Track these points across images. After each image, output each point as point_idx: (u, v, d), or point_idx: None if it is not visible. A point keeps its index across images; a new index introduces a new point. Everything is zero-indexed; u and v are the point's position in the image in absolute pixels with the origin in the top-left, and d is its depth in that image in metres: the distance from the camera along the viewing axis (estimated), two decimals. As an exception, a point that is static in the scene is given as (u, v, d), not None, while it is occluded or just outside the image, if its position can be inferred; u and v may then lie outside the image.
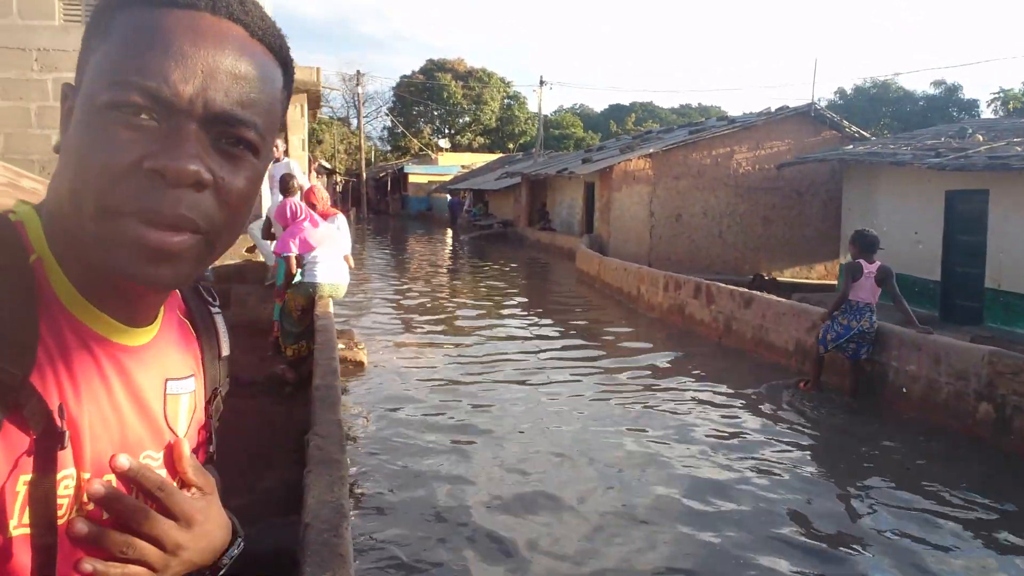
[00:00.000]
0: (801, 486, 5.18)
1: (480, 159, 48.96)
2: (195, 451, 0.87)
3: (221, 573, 0.85)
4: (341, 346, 8.21)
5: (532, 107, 59.10)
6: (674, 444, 5.85)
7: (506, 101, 62.49)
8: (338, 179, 43.82)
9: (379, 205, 54.17)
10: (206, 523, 0.78)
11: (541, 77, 33.80)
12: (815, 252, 18.39)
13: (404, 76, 61.57)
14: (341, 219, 7.68)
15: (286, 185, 7.57)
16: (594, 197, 20.61)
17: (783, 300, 8.34)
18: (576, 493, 4.88)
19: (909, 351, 6.56)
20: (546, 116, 62.32)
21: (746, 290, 9.41)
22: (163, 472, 0.78)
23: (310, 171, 17.56)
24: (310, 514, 2.59)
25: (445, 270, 20.07)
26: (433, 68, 60.82)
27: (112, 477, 0.73)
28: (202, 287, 0.93)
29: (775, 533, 4.36)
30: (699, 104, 75.35)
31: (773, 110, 19.49)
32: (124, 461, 0.72)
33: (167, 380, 0.81)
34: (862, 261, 7.03)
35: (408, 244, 28.59)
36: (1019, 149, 10.76)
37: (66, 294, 0.72)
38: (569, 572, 3.88)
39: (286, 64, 0.77)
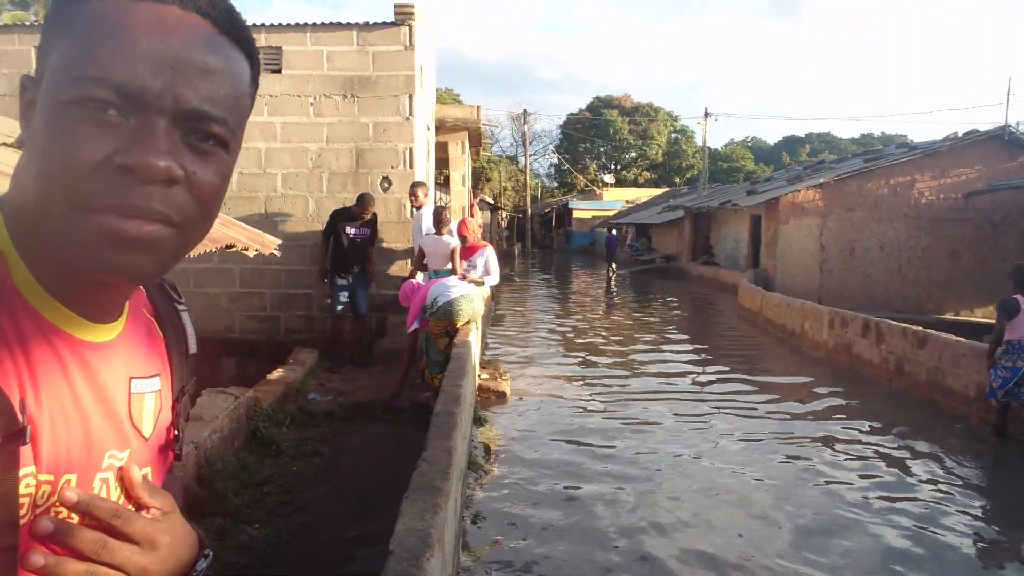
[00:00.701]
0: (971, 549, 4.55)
1: (645, 193, 48.58)
2: (162, 450, 0.85)
3: None
4: (485, 376, 8.32)
5: (700, 141, 58.01)
6: (842, 505, 5.34)
7: (673, 135, 61.80)
8: (502, 215, 44.96)
9: (544, 240, 55.01)
10: (171, 543, 0.77)
11: (706, 109, 33.05)
12: (1012, 289, 16.51)
13: (571, 114, 62.57)
14: (489, 251, 7.84)
15: (439, 218, 7.82)
16: (760, 230, 19.75)
17: (962, 340, 7.49)
18: (721, 543, 4.58)
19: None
20: (715, 149, 61.09)
21: (920, 328, 8.56)
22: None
23: (471, 206, 18.13)
24: (395, 542, 2.57)
25: (604, 304, 19.93)
26: (599, 105, 61.39)
27: (73, 477, 0.71)
28: (167, 285, 0.92)
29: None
30: (882, 133, 70.69)
31: (960, 135, 17.86)
32: (72, 495, 0.70)
33: (131, 378, 0.80)
34: (1019, 297, 6.63)
35: (570, 278, 28.72)
36: None
37: (28, 288, 0.71)
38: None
39: (252, 57, 0.76)
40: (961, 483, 5.79)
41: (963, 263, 16.99)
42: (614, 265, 27.04)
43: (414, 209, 8.57)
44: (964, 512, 5.20)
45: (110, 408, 0.76)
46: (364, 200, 8.20)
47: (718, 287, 21.78)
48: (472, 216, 14.47)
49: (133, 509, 0.76)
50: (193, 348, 0.93)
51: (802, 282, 17.19)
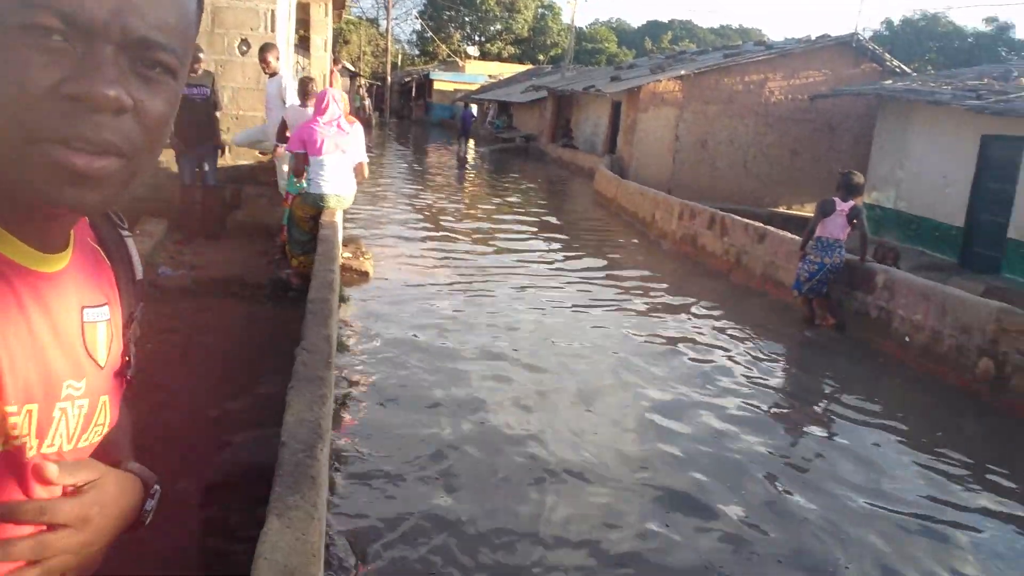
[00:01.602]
0: (769, 416, 5.21)
1: (508, 69, 47.78)
2: (116, 376, 0.86)
3: (149, 519, 0.89)
4: (347, 254, 8.22)
5: (567, 19, 57.21)
6: (651, 366, 5.89)
7: (540, 11, 60.59)
8: (361, 82, 43.01)
9: (402, 110, 53.37)
10: (105, 508, 0.80)
11: (576, -13, 32.50)
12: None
13: (436, -23, 59.64)
14: (357, 128, 7.51)
15: (304, 89, 7.43)
16: (620, 117, 20.15)
17: (797, 238, 8.16)
18: (564, 400, 4.99)
19: (917, 300, 6.46)
20: (580, 29, 60.50)
21: (760, 225, 9.24)
22: (85, 401, 0.79)
23: (331, 73, 17.21)
24: (287, 433, 2.61)
25: (463, 181, 19.88)
26: (466, -29, 58.81)
27: (35, 407, 0.72)
28: (110, 211, 0.91)
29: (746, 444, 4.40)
30: (740, 26, 72.71)
31: (813, 38, 18.72)
32: None
33: (83, 307, 0.80)
34: (836, 199, 7.29)
35: (428, 152, 28.27)
36: (1063, 96, 10.33)
37: None
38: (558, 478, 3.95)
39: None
40: (769, 360, 6.58)
41: (802, 161, 18.23)
42: (471, 142, 26.84)
43: (267, 76, 7.88)
44: (764, 385, 5.93)
45: (64, 339, 0.76)
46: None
47: (576, 170, 22.22)
48: (332, 85, 13.80)
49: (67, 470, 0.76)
50: (139, 274, 0.93)
51: (655, 171, 17.87)
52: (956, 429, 5.43)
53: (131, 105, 0.67)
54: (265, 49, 7.69)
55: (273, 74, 7.74)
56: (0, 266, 0.71)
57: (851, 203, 7.23)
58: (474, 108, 42.76)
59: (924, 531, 3.97)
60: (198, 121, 7.53)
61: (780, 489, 4.28)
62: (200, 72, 7.47)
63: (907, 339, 6.46)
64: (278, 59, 7.79)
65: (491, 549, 3.45)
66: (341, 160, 6.63)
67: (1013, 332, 5.38)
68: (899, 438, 5.12)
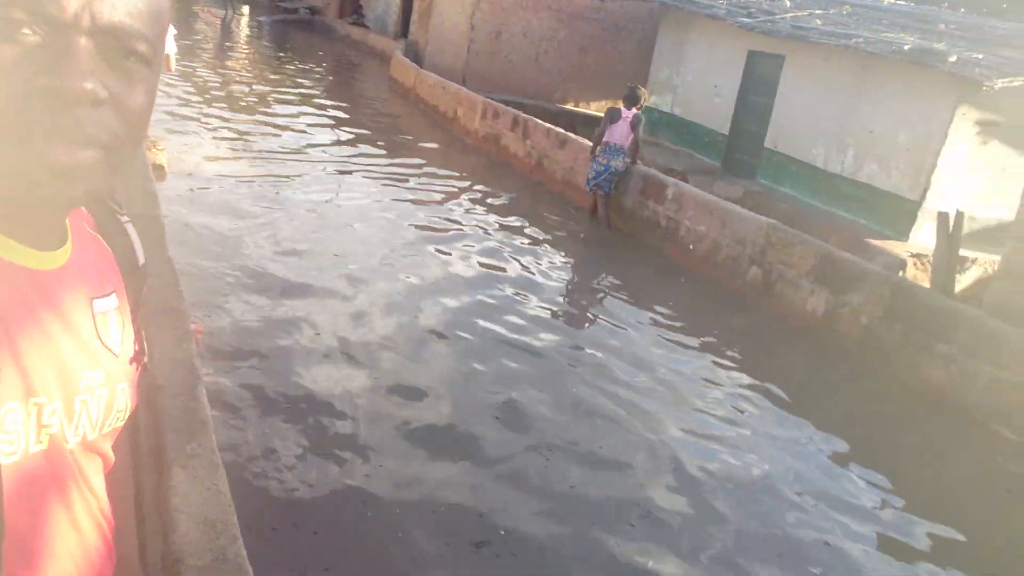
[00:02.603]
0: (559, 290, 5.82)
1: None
2: (132, 362, 0.87)
3: None
4: (138, 146, 7.56)
5: None
6: (449, 251, 6.29)
7: None
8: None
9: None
10: None
11: None
12: (624, 90, 18.97)
13: None
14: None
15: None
16: (413, -2, 19.51)
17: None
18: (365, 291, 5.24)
19: (701, 213, 7.27)
20: None
21: (562, 131, 9.69)
22: (105, 391, 0.80)
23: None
24: (161, 375, 2.57)
25: (244, 58, 18.44)
26: None
27: (58, 405, 0.73)
28: (108, 199, 0.92)
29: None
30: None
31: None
32: None
33: (92, 299, 0.81)
34: (622, 107, 8.14)
35: (197, 22, 25.62)
36: (819, 23, 11.60)
37: None
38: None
39: None
40: (563, 259, 7.38)
41: (589, 59, 18.88)
42: (245, 8, 24.66)
43: None
44: (560, 281, 6.53)
45: (77, 333, 0.77)
46: None
47: (367, 51, 21.38)
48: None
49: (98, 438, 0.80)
50: (142, 259, 0.93)
51: (450, 60, 17.70)
52: (727, 325, 6.37)
53: (107, 97, 0.67)
54: None
55: None
56: (1, 270, 0.71)
57: (634, 112, 8.09)
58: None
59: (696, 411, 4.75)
60: None
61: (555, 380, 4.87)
62: None
63: (691, 247, 7.30)
64: None
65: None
66: None
67: (778, 245, 6.31)
68: (679, 331, 5.93)
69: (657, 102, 15.16)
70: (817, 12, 12.47)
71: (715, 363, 5.49)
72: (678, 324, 6.05)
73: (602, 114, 8.26)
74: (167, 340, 2.81)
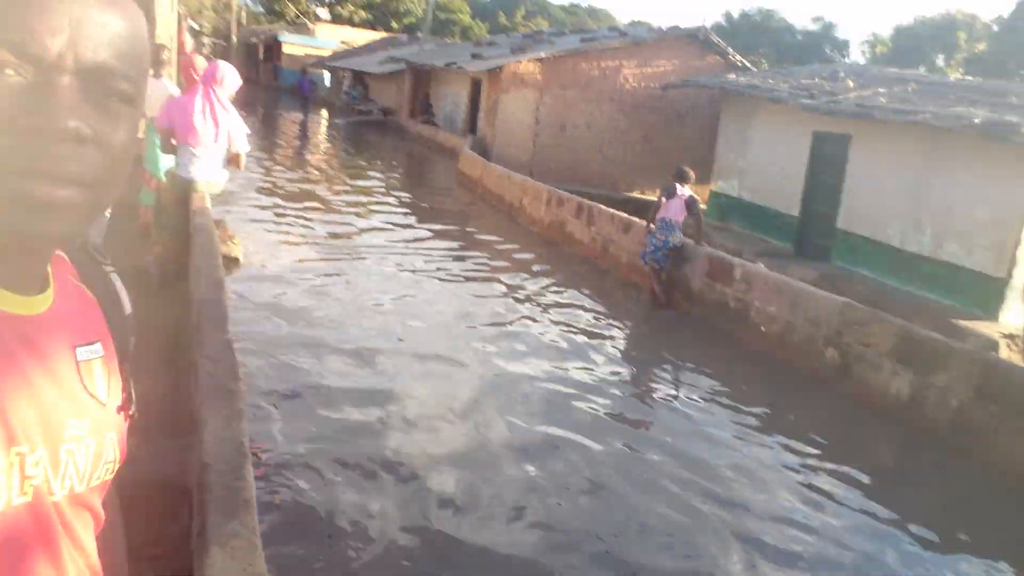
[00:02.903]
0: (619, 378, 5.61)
1: (361, 35, 46.50)
2: (119, 412, 0.85)
3: None
4: (214, 239, 7.86)
5: (421, -13, 56.32)
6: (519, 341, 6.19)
7: (392, -24, 59.20)
8: (204, 41, 40.47)
9: (249, 74, 50.71)
10: None
11: (432, -44, 32.04)
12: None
13: (284, -67, 56.69)
14: (234, 112, 6.86)
15: (158, 57, 6.92)
16: (480, 95, 20.23)
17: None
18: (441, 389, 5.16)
19: (771, 293, 7.06)
20: (434, -2, 59.70)
21: (626, 216, 9.69)
22: (92, 440, 0.77)
23: (180, 31, 16.11)
24: (209, 454, 2.55)
25: (320, 156, 19.31)
26: (316, -71, 56.40)
27: (43, 453, 0.71)
28: (91, 247, 0.91)
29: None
30: (588, 4, 74.53)
31: (664, 28, 19.58)
32: None
33: (76, 347, 0.79)
34: (677, 185, 8.19)
35: (280, 122, 27.17)
36: (883, 100, 11.46)
37: None
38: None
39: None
40: (634, 343, 7.02)
41: (654, 148, 19.10)
42: (324, 112, 26.01)
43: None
44: (629, 363, 6.33)
45: (61, 380, 0.75)
46: None
47: (437, 149, 22.13)
48: (184, 49, 12.96)
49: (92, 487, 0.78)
50: (128, 308, 0.92)
51: (516, 153, 18.15)
52: (805, 409, 6.05)
53: (90, 135, 0.67)
54: (161, 52, 7.25)
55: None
56: None
57: (688, 191, 8.16)
58: (327, 75, 41.47)
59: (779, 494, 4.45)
60: None
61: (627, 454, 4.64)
62: None
63: (763, 329, 7.05)
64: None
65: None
66: (215, 146, 6.22)
67: (855, 325, 6.03)
68: (755, 416, 5.65)
69: (724, 187, 15.12)
70: (881, 90, 12.34)
71: (794, 448, 5.19)
72: (753, 409, 5.78)
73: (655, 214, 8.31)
74: (218, 420, 2.80)
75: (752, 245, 11.82)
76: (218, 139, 6.07)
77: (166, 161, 6.51)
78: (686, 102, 18.89)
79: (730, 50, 19.27)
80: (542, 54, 18.57)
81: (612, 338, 7.15)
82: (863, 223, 11.15)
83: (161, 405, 3.67)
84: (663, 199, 8.23)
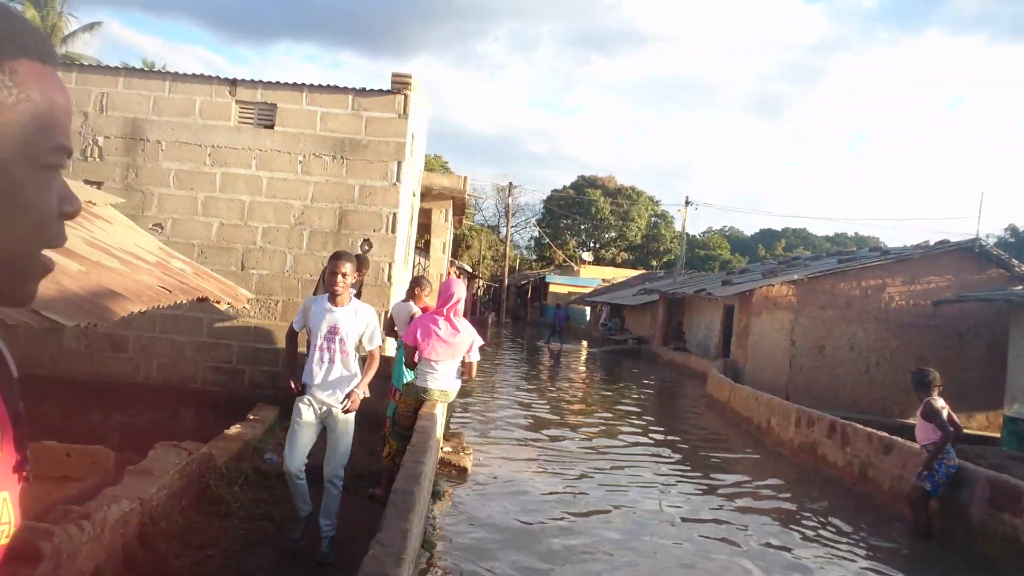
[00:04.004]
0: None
1: (621, 274, 49.02)
2: (13, 472, 0.85)
3: None
4: (447, 448, 8.15)
5: (679, 227, 59.01)
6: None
7: (653, 219, 62.78)
8: (479, 283, 45.07)
9: (518, 311, 55.05)
10: None
11: (687, 198, 33.69)
12: (976, 399, 16.62)
13: (555, 190, 63.30)
14: (468, 327, 7.30)
15: (413, 287, 7.67)
16: (732, 320, 19.94)
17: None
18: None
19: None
20: (692, 236, 62.02)
21: (885, 435, 8.58)
22: None
23: (448, 274, 18.10)
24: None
25: (573, 381, 19.82)
26: (584, 183, 62.37)
27: None
28: None
29: None
30: (855, 234, 72.50)
31: (932, 243, 18.34)
32: None
33: None
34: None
35: (540, 351, 28.65)
36: None
37: None
38: None
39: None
40: None
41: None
42: (584, 343, 27.02)
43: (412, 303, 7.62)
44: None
45: None
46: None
47: (687, 373, 21.81)
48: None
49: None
50: (15, 372, 0.92)
51: (771, 376, 17.27)
52: None
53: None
54: (418, 283, 7.66)
55: (404, 300, 7.79)
56: None
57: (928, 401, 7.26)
58: (588, 310, 43.68)
59: None
60: None
61: None
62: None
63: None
64: (429, 294, 7.64)
65: None
66: (453, 361, 6.59)
67: None
68: None
69: (1020, 411, 13.00)
70: None
71: None
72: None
73: (951, 428, 7.13)
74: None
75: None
76: (456, 355, 6.47)
77: (408, 375, 7.04)
78: (966, 320, 17.08)
79: (1015, 261, 17.42)
80: (795, 276, 18.11)
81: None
82: None
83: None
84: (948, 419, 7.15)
